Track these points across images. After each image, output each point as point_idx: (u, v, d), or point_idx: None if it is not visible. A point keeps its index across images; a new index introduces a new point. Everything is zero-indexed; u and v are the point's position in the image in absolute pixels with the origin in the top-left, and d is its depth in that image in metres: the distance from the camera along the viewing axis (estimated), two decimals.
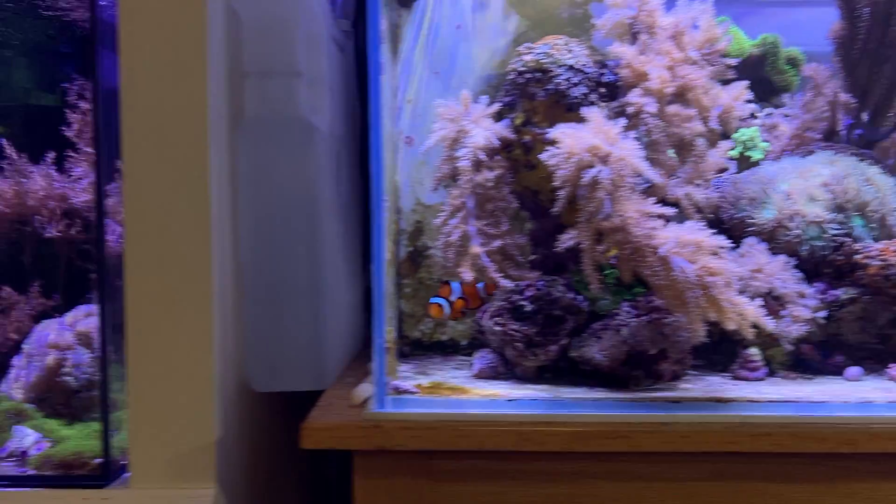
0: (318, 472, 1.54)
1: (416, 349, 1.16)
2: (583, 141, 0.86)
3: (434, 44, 1.18)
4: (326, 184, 1.03)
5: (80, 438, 1.02)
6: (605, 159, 0.86)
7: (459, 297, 1.02)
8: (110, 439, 0.95)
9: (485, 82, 1.14)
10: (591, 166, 0.86)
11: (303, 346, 1.01)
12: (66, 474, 0.95)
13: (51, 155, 1.26)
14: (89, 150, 1.23)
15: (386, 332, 0.87)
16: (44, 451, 0.99)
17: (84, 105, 1.23)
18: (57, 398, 1.17)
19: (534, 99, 0.96)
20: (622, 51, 0.95)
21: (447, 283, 1.03)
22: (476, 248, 0.90)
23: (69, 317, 1.23)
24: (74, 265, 1.31)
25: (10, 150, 1.25)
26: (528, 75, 0.96)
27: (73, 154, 1.24)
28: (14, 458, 1.02)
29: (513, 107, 0.99)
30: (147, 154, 0.91)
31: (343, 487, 1.44)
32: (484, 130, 0.92)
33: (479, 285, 1.02)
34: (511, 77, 0.98)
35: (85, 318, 1.23)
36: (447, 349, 1.17)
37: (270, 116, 0.99)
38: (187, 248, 0.91)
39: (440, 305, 1.00)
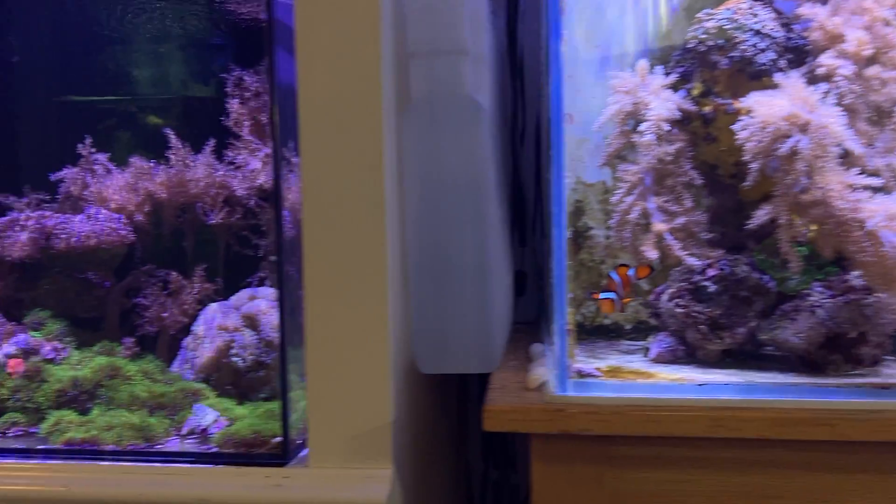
0: (463, 456, 1.55)
1: (579, 333, 1.13)
2: (780, 109, 0.80)
3: (591, 17, 1.14)
4: (490, 163, 1.01)
5: (253, 418, 1.05)
6: (804, 128, 0.80)
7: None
8: (286, 419, 0.97)
9: (647, 54, 1.09)
10: (789, 136, 0.80)
11: (471, 328, 0.99)
12: (248, 452, 0.97)
13: (210, 144, 1.30)
14: (250, 138, 1.26)
15: (567, 314, 0.85)
16: (223, 429, 1.02)
17: (245, 94, 1.26)
18: (224, 378, 1.21)
19: (715, 68, 0.91)
20: (814, 12, 0.88)
21: (609, 276, 0.99)
22: (660, 226, 0.86)
23: (234, 300, 1.27)
24: (232, 250, 1.35)
25: (174, 140, 1.30)
26: (710, 43, 0.90)
27: (233, 143, 1.28)
28: (194, 436, 1.05)
29: (688, 77, 0.94)
30: (323, 140, 0.91)
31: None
32: (665, 102, 0.88)
33: (630, 272, 0.98)
34: (690, 46, 0.93)
35: (249, 301, 1.26)
36: (610, 333, 1.13)
37: (437, 96, 0.98)
38: (363, 232, 0.91)
39: (612, 301, 0.96)
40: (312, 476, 0.93)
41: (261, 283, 1.34)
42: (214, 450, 0.99)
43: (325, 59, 0.91)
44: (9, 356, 1.12)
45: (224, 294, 1.32)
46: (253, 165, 1.26)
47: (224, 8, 1.39)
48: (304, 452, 0.99)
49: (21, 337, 1.15)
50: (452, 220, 0.99)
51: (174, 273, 1.27)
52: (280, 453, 0.96)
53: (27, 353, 1.13)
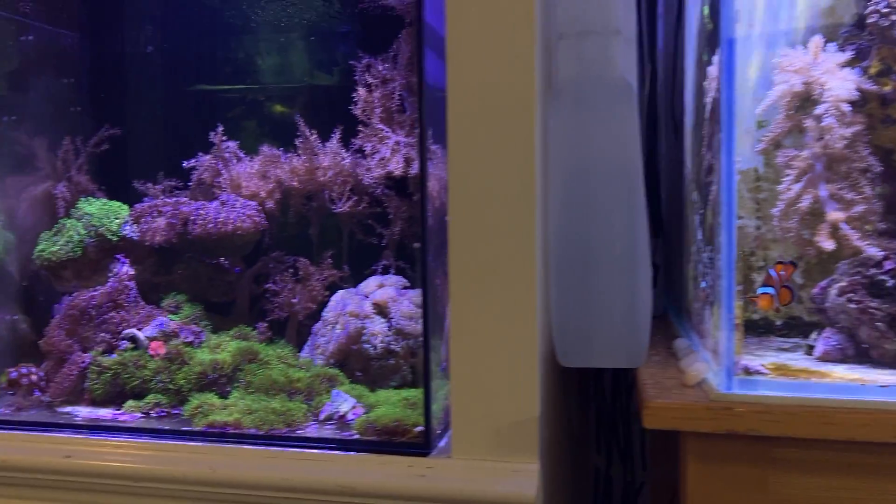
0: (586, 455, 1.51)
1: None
2: None
3: None
4: (638, 146, 0.97)
5: (390, 406, 1.04)
6: None
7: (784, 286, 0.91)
8: (429, 409, 0.95)
9: (808, 33, 1.02)
10: None
11: (618, 320, 0.95)
12: (390, 441, 0.96)
13: (337, 132, 1.30)
14: (381, 126, 1.25)
15: (735, 307, 0.80)
16: (362, 416, 1.01)
17: (373, 81, 1.26)
18: (354, 365, 1.20)
19: None
20: None
21: (768, 272, 0.93)
22: (836, 215, 0.80)
23: (362, 287, 1.27)
24: (355, 238, 1.35)
25: (303, 128, 1.31)
26: (894, 17, 0.83)
27: (361, 130, 1.28)
28: (332, 422, 1.05)
29: (864, 55, 0.87)
30: (472, 127, 0.89)
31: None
32: (844, 82, 0.81)
33: (770, 270, 0.92)
34: (871, 21, 0.86)
35: (377, 288, 1.26)
36: (759, 329, 1.07)
37: (586, 78, 0.94)
38: (512, 221, 0.88)
39: (770, 296, 0.90)
40: (457, 467, 0.91)
41: (385, 272, 1.34)
42: (355, 437, 0.98)
43: (476, 43, 0.88)
44: (151, 339, 1.15)
45: (349, 281, 1.32)
46: (382, 153, 1.25)
47: None
48: (442, 442, 0.97)
49: (160, 320, 1.18)
50: (600, 208, 0.95)
51: (303, 260, 1.28)
52: (422, 443, 0.95)
53: (167, 336, 1.16)
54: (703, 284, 0.99)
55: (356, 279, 1.32)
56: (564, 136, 0.95)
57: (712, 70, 0.92)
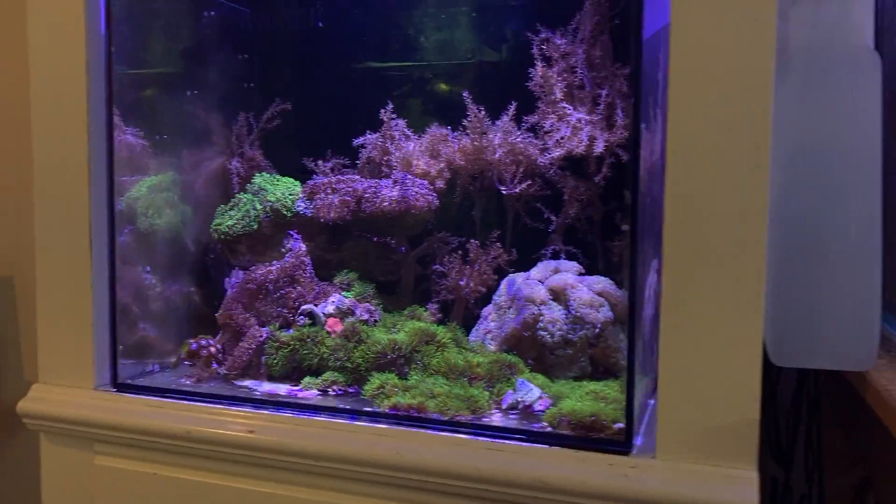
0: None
1: None
2: None
3: None
4: (879, 123, 0.86)
5: (578, 399, 0.98)
6: None
7: None
8: (631, 406, 0.89)
9: None
10: None
11: (850, 319, 0.85)
12: (586, 436, 0.90)
13: (510, 110, 1.25)
14: (563, 104, 1.18)
15: None
16: (552, 408, 0.96)
17: (552, 56, 1.19)
18: (527, 352, 1.15)
19: None
20: None
21: None
22: None
23: (536, 272, 1.21)
24: (520, 221, 1.29)
25: (471, 106, 1.26)
26: None
27: (539, 107, 1.22)
28: (515, 411, 1.00)
29: None
30: (697, 100, 0.81)
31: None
32: None
33: None
34: None
35: (553, 274, 1.19)
36: None
37: (823, 47, 0.84)
38: (741, 204, 0.80)
39: None
40: (663, 469, 0.84)
41: (555, 257, 1.27)
42: (547, 429, 0.93)
43: (707, 5, 0.80)
44: (327, 315, 1.13)
45: (515, 266, 1.26)
46: (563, 132, 1.18)
47: None
48: (639, 441, 0.90)
49: (336, 297, 1.16)
50: (834, 191, 0.85)
51: (473, 241, 1.23)
52: (623, 441, 0.88)
53: (343, 313, 1.14)
54: None
55: (522, 264, 1.26)
56: (794, 111, 0.86)
57: None
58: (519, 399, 0.99)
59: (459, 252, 1.25)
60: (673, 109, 0.82)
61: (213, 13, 1.36)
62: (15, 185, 1.68)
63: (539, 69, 1.21)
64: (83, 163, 1.10)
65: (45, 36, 1.11)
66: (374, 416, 0.98)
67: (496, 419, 0.98)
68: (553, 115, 1.21)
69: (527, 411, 0.99)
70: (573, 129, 1.18)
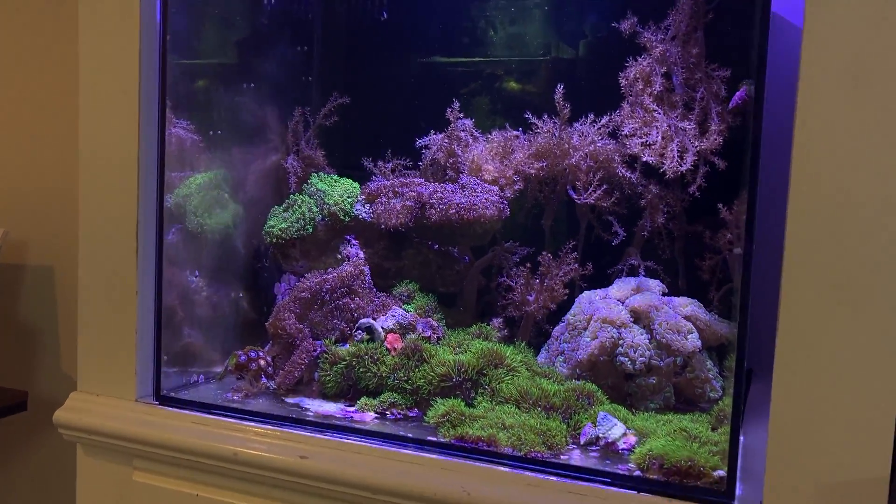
0: None
1: None
2: None
3: None
4: None
5: (667, 438, 0.87)
6: None
7: None
8: (736, 452, 0.78)
9: None
10: None
11: None
12: (681, 483, 0.80)
13: (589, 115, 1.14)
14: (653, 106, 1.07)
15: None
16: (640, 448, 0.85)
17: (651, 48, 1.08)
18: (602, 378, 1.04)
19: None
20: None
21: None
22: None
23: (614, 291, 1.11)
24: (593, 233, 1.19)
25: (547, 108, 1.15)
26: None
27: (623, 108, 1.11)
28: (595, 448, 0.90)
29: None
30: (831, 99, 0.70)
31: None
32: None
33: None
34: None
35: (634, 293, 1.09)
36: None
37: None
38: (881, 226, 0.69)
39: None
40: None
41: (632, 273, 1.17)
42: (636, 472, 0.83)
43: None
44: (386, 331, 1.04)
45: (587, 282, 1.16)
46: (653, 137, 1.08)
47: None
48: (739, 491, 0.80)
49: (397, 311, 1.07)
50: None
51: (545, 254, 1.13)
52: (724, 491, 0.77)
53: (403, 328, 1.05)
54: None
55: (596, 280, 1.16)
56: None
57: None
58: (600, 435, 0.89)
59: (527, 264, 1.15)
60: (800, 120, 0.71)
61: (272, 1, 1.28)
62: (58, 173, 1.63)
63: (634, 68, 1.10)
64: (133, 156, 1.02)
65: (98, 22, 1.04)
66: (439, 448, 0.89)
67: (575, 457, 0.88)
68: (638, 119, 1.10)
69: (609, 449, 0.89)
70: (664, 138, 1.08)
